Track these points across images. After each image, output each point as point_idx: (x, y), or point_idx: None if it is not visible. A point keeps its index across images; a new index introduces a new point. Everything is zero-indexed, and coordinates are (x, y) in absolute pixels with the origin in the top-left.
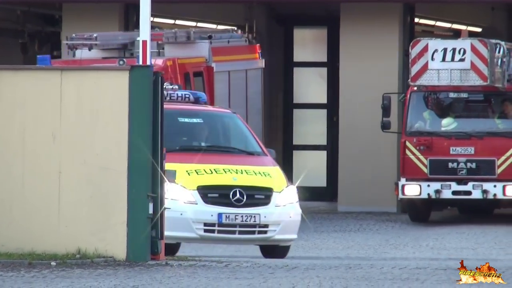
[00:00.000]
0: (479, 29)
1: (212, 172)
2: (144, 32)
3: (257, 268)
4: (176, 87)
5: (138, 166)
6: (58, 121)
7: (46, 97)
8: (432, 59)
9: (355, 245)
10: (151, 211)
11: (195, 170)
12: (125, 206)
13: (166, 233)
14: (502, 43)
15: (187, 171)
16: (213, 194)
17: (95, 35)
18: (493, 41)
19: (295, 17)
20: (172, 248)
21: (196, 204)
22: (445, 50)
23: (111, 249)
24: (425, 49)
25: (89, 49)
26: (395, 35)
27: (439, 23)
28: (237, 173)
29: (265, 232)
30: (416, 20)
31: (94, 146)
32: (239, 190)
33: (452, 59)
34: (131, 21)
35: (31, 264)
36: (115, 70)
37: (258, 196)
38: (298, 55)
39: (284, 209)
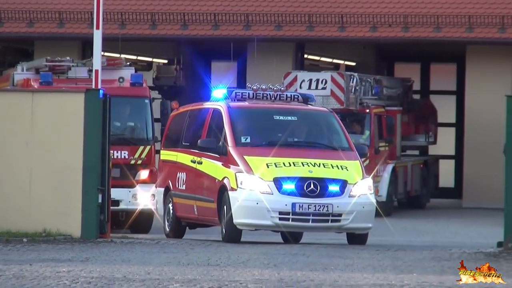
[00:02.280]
0: (353, 63)
1: (290, 165)
2: (97, 63)
3: (181, 245)
4: (283, 88)
5: (90, 166)
6: (30, 131)
7: (20, 112)
8: (300, 87)
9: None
10: (100, 200)
11: (275, 163)
12: (80, 196)
13: (244, 220)
14: (356, 74)
15: (267, 164)
16: (288, 185)
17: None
18: (349, 73)
19: (396, 54)
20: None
21: (272, 194)
22: (310, 80)
23: (69, 229)
24: (295, 79)
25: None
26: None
27: (323, 59)
28: (314, 166)
29: (339, 220)
30: (306, 56)
31: (57, 151)
32: (313, 182)
33: (316, 88)
34: (86, 54)
35: (7, 240)
36: (74, 92)
37: (332, 187)
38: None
39: (358, 200)
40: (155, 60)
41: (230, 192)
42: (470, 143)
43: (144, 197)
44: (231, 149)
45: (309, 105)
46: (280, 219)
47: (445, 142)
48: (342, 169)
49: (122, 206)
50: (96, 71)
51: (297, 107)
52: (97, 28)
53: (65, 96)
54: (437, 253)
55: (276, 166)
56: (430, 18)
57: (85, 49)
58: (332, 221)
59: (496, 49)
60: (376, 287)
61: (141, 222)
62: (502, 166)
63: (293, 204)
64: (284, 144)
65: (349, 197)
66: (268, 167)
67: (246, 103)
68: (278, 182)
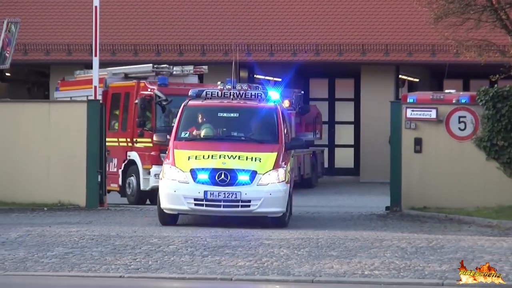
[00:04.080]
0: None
1: (208, 158)
2: (95, 80)
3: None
4: (246, 87)
5: (91, 154)
6: (47, 130)
7: (40, 117)
8: None
9: None
10: (99, 179)
11: (196, 156)
12: (85, 176)
13: (167, 205)
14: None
15: (188, 156)
16: (202, 175)
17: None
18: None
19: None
20: (173, 217)
21: (188, 183)
22: None
23: (77, 201)
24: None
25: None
26: None
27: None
28: (230, 158)
29: (248, 206)
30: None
31: (67, 144)
32: (224, 172)
33: None
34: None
35: (33, 209)
36: (79, 102)
37: (242, 177)
38: None
39: (266, 188)
40: None
41: (160, 181)
42: (365, 135)
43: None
44: (170, 143)
45: (261, 103)
46: (195, 204)
47: (346, 135)
48: (255, 160)
49: None
50: (95, 87)
51: (245, 104)
52: (95, 55)
53: (74, 105)
54: (342, 215)
55: (195, 159)
56: (335, 46)
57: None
58: (242, 206)
59: (382, 68)
60: (298, 240)
61: None
62: (388, 151)
63: (205, 192)
64: (216, 138)
65: (257, 185)
66: (188, 160)
67: (201, 102)
68: (194, 172)
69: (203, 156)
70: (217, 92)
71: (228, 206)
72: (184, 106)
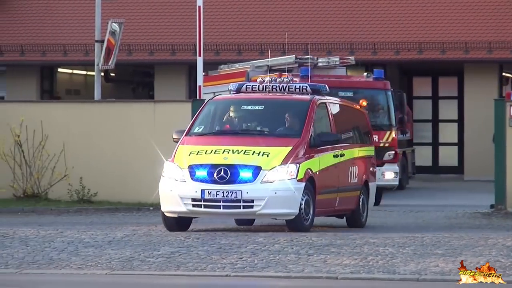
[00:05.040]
0: None
1: (210, 153)
2: (200, 80)
3: None
4: (288, 79)
5: None
6: (152, 130)
7: (145, 117)
8: None
9: None
10: None
11: (198, 151)
12: None
13: (166, 208)
14: None
15: (190, 152)
16: (200, 172)
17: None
18: None
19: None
20: (180, 221)
21: (185, 181)
22: None
23: None
24: None
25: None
26: None
27: None
28: (233, 153)
29: (251, 207)
30: None
31: (172, 143)
32: (224, 168)
33: None
34: (192, 76)
35: (139, 209)
36: (184, 102)
37: (244, 173)
38: None
39: (270, 186)
40: None
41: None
42: (469, 133)
43: (390, 175)
44: (182, 139)
45: (294, 95)
46: (193, 205)
47: (450, 133)
48: (262, 155)
49: None
50: (200, 86)
51: (274, 97)
52: (199, 55)
53: (178, 105)
54: (447, 213)
55: (196, 154)
56: (437, 44)
57: (190, 71)
58: (244, 207)
59: (485, 66)
60: (403, 238)
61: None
62: (492, 149)
63: (202, 191)
64: (230, 133)
65: (261, 183)
66: (189, 155)
67: (230, 95)
68: (192, 169)
69: (206, 151)
70: (258, 86)
71: (228, 207)
72: (208, 100)
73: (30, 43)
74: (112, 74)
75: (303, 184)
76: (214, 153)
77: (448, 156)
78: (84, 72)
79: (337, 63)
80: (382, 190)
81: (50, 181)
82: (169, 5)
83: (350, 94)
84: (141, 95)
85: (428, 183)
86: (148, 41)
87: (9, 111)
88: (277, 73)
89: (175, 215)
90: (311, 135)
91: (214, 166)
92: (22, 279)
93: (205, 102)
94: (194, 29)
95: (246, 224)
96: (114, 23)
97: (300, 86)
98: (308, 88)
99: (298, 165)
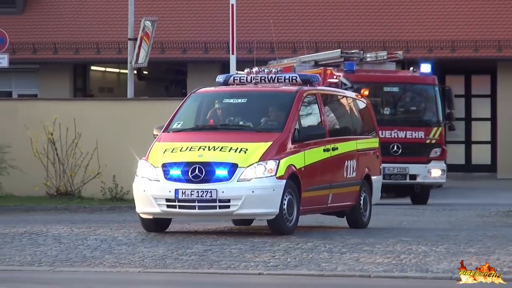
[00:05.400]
0: None
1: (186, 150)
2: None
3: None
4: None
5: None
6: None
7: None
8: None
9: None
10: None
11: (173, 148)
12: None
13: (140, 209)
14: None
15: (165, 149)
16: (174, 171)
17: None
18: None
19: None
20: (156, 222)
21: (159, 181)
22: None
23: None
24: None
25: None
26: None
27: None
28: (209, 150)
29: (228, 207)
30: None
31: None
32: (198, 166)
33: None
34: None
35: None
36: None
37: (219, 171)
38: None
39: (247, 184)
40: None
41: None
42: (502, 131)
43: (436, 172)
44: (159, 135)
45: (281, 86)
46: (167, 206)
47: (483, 131)
48: (239, 152)
49: (418, 180)
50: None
51: (258, 89)
52: (232, 53)
53: None
54: (480, 212)
55: (171, 152)
56: (470, 42)
57: (223, 69)
58: (221, 207)
59: None
60: (437, 237)
61: (420, 193)
62: None
63: (176, 191)
64: (209, 128)
65: (238, 181)
66: (164, 153)
67: (213, 88)
68: (166, 168)
69: (181, 148)
70: (246, 77)
71: (204, 207)
72: (191, 93)
73: (63, 41)
74: (145, 72)
75: (284, 181)
76: (190, 150)
77: (481, 155)
78: (117, 70)
79: (385, 58)
80: (429, 188)
81: (83, 179)
82: (202, 3)
83: (395, 89)
84: (174, 93)
85: (460, 181)
86: (181, 39)
87: (43, 109)
88: (321, 68)
89: (150, 216)
90: (296, 129)
91: (189, 164)
92: (55, 277)
93: (187, 95)
94: (227, 27)
95: (244, 224)
96: (147, 21)
97: (289, 76)
98: (298, 79)
99: (278, 161)
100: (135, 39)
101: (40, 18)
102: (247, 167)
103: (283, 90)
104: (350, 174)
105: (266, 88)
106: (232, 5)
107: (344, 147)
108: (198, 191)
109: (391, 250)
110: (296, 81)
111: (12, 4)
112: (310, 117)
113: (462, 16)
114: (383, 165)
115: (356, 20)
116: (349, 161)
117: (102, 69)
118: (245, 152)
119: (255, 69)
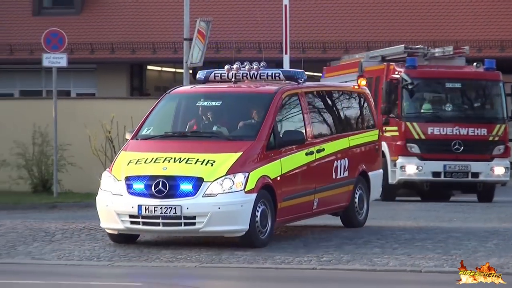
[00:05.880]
0: None
1: (150, 162)
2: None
3: None
4: (260, 65)
5: None
6: None
7: None
8: None
9: None
10: None
11: (138, 159)
12: None
13: (104, 225)
14: None
15: (130, 161)
16: (138, 185)
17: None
18: None
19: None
20: (131, 236)
21: (122, 195)
22: None
23: None
24: None
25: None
26: None
27: None
28: (174, 162)
29: (193, 224)
30: None
31: None
32: (162, 181)
33: None
34: None
35: None
36: None
37: (184, 186)
38: None
39: (213, 200)
40: None
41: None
42: None
43: (500, 170)
44: (127, 143)
45: (261, 86)
46: (131, 223)
47: None
48: (205, 164)
49: (481, 178)
50: None
51: (233, 89)
52: (285, 53)
53: None
54: None
55: (135, 164)
56: None
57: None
58: (186, 224)
59: None
60: (486, 233)
61: (484, 191)
62: None
63: (139, 206)
64: (176, 136)
65: (203, 197)
66: (128, 165)
67: (187, 88)
68: (129, 181)
69: (146, 159)
70: (226, 74)
71: (168, 224)
72: (165, 94)
73: (120, 41)
74: None
75: (254, 195)
76: (154, 162)
77: None
78: (173, 70)
79: (451, 53)
80: (494, 186)
81: None
82: (256, 3)
83: (458, 85)
84: None
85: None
86: (235, 39)
87: (100, 108)
88: (385, 63)
89: (115, 232)
90: (273, 135)
91: (152, 178)
92: (113, 272)
93: (161, 97)
94: (280, 27)
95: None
96: (202, 22)
97: (272, 73)
98: (281, 75)
99: (247, 174)
100: (191, 39)
101: (98, 19)
102: (213, 181)
103: (261, 91)
104: (340, 174)
105: (243, 88)
106: (285, 5)
107: (332, 147)
108: (161, 207)
109: (442, 245)
110: (279, 78)
111: (70, 5)
112: (290, 120)
113: (509, 14)
114: (444, 162)
115: (404, 19)
116: (339, 161)
117: (158, 68)
118: (211, 165)
119: (235, 65)
